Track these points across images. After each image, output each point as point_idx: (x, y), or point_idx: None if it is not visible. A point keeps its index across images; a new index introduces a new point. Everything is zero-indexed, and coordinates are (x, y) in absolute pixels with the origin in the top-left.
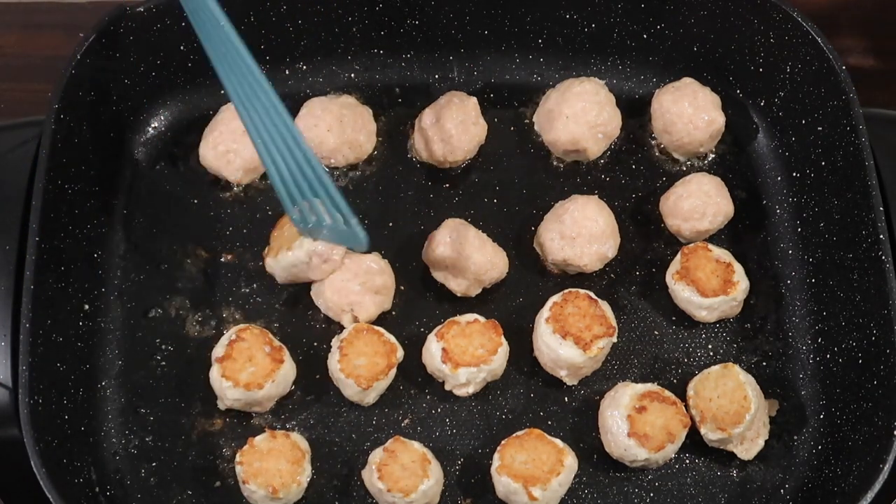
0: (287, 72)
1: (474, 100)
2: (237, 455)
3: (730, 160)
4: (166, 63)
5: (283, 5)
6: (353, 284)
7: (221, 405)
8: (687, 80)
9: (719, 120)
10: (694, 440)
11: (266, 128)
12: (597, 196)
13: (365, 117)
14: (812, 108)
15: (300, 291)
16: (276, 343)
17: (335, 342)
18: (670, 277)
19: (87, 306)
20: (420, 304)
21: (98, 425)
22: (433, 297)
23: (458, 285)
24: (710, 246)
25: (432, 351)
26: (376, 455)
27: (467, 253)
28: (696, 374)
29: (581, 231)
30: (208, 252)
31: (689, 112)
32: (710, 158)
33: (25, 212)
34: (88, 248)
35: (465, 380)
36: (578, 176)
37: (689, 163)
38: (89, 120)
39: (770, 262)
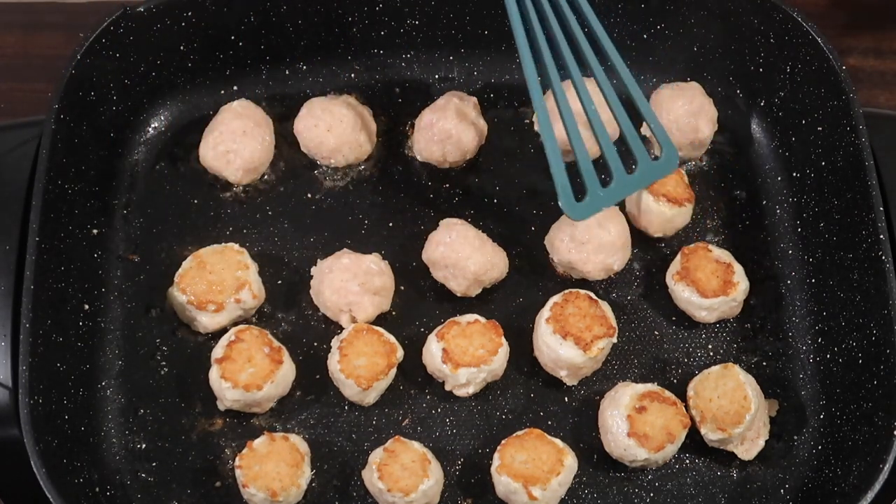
0: (287, 72)
1: (474, 100)
2: (236, 458)
3: (730, 160)
4: (166, 63)
5: (283, 5)
6: (352, 285)
7: (221, 406)
8: (692, 84)
9: (705, 131)
10: (694, 440)
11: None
12: (616, 207)
13: (365, 117)
14: (812, 108)
15: (300, 291)
16: (276, 344)
17: (335, 342)
18: (670, 278)
19: (87, 306)
20: (420, 304)
21: (98, 425)
22: (433, 297)
23: (458, 285)
24: (710, 246)
25: (432, 351)
26: (376, 455)
27: (467, 253)
28: (696, 375)
29: (591, 238)
30: None
31: (675, 115)
32: (708, 159)
33: (25, 212)
34: (88, 248)
35: (465, 380)
36: (579, 176)
37: (689, 163)
38: (89, 120)
39: (770, 262)
